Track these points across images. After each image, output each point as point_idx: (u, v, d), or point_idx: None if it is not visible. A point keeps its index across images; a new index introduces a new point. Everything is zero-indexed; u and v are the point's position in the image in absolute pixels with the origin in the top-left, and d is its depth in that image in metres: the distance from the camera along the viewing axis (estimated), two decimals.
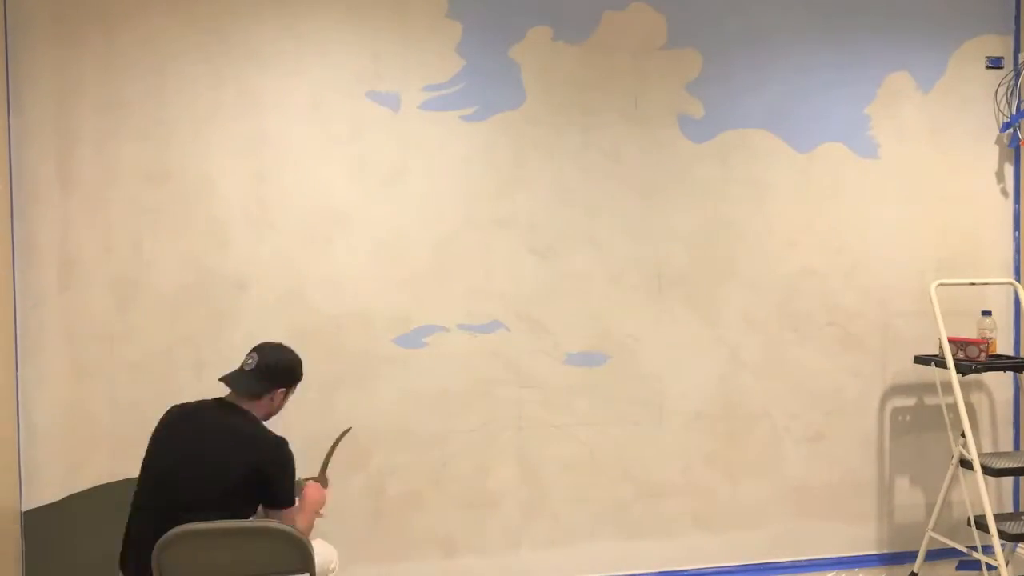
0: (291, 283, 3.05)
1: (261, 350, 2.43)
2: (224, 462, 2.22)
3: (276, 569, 2.15)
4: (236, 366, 2.97)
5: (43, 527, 2.92)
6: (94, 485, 2.95)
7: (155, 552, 2.08)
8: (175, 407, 2.40)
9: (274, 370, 2.40)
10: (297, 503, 2.37)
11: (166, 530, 2.09)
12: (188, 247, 2.99)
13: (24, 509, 2.91)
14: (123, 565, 2.29)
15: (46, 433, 2.92)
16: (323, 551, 2.53)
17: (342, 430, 2.72)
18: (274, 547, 2.14)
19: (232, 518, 2.19)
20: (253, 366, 2.38)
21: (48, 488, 2.93)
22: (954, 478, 3.31)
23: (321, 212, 3.07)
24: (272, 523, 2.19)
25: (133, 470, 2.94)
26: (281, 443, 2.31)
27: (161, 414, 2.99)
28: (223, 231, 3.01)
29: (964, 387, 3.36)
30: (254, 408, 2.37)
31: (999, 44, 3.58)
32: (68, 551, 2.93)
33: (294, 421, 3.04)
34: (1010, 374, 3.57)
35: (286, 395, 2.47)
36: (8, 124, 2.86)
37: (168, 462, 2.28)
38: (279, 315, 3.04)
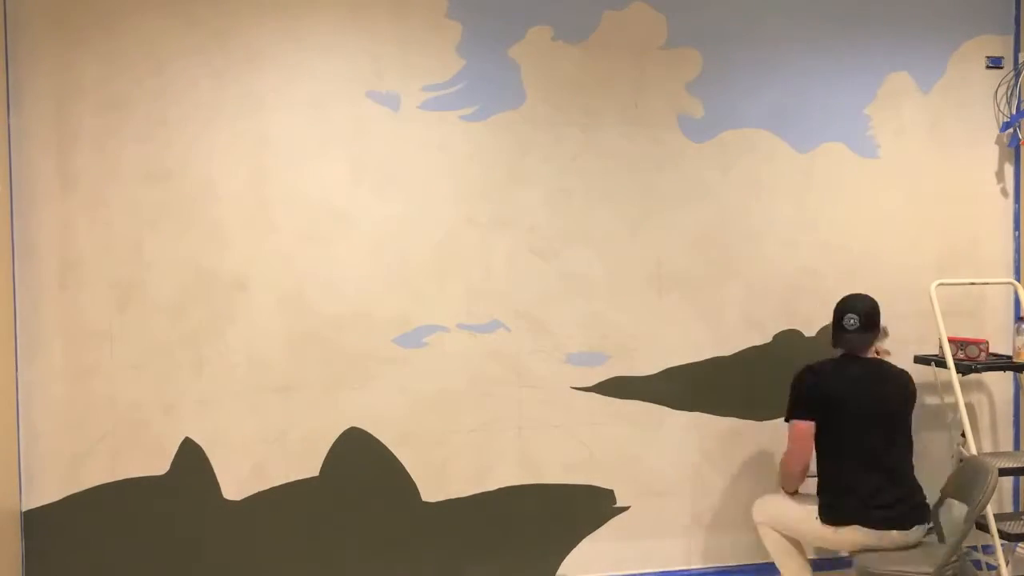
0: (291, 283, 3.05)
1: (860, 308, 2.89)
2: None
3: None
4: (236, 366, 3.00)
5: (43, 527, 2.92)
6: (94, 485, 2.95)
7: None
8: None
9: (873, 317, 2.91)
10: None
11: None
12: (188, 247, 2.99)
13: (24, 509, 2.91)
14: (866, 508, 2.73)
15: (46, 433, 2.92)
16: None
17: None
18: None
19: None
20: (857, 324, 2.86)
21: (48, 488, 2.93)
22: None
23: (321, 212, 3.07)
24: None
25: (133, 470, 2.97)
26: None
27: (161, 415, 3.01)
28: (223, 231, 3.01)
29: (964, 387, 3.36)
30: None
31: (999, 44, 3.58)
32: (68, 551, 2.93)
33: (294, 421, 3.06)
34: (1010, 374, 3.57)
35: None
36: (8, 124, 2.86)
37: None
38: (279, 315, 3.04)
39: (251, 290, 3.03)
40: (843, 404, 2.78)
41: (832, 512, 2.78)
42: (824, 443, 2.83)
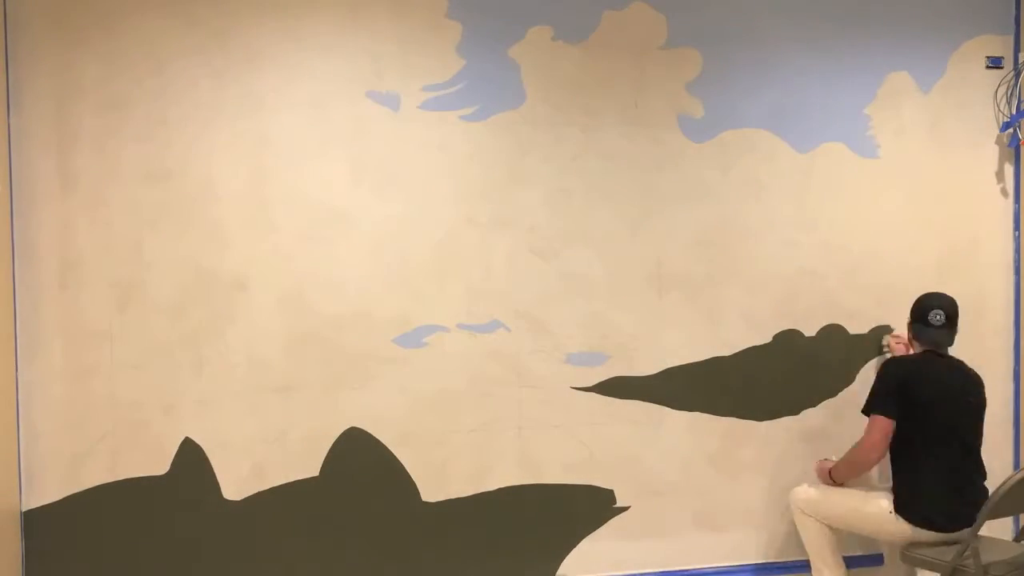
0: (291, 283, 3.05)
1: (945, 304, 2.92)
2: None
3: None
4: (236, 366, 3.00)
5: (43, 527, 2.92)
6: (94, 485, 2.95)
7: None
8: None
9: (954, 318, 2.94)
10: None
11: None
12: (188, 247, 2.99)
13: (24, 509, 2.91)
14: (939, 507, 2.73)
15: (46, 433, 2.92)
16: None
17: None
18: None
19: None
20: (944, 320, 2.90)
21: (48, 488, 2.93)
22: None
23: (321, 212, 3.07)
24: None
25: (133, 470, 2.97)
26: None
27: (161, 415, 3.01)
28: (223, 231, 3.01)
29: None
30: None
31: (999, 44, 3.58)
32: (68, 551, 2.93)
33: (294, 421, 3.06)
34: (1011, 386, 3.56)
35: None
36: (8, 124, 2.86)
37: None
38: (279, 315, 3.04)
39: (251, 290, 3.03)
40: (930, 403, 2.78)
41: (909, 510, 2.78)
42: (906, 439, 2.80)
